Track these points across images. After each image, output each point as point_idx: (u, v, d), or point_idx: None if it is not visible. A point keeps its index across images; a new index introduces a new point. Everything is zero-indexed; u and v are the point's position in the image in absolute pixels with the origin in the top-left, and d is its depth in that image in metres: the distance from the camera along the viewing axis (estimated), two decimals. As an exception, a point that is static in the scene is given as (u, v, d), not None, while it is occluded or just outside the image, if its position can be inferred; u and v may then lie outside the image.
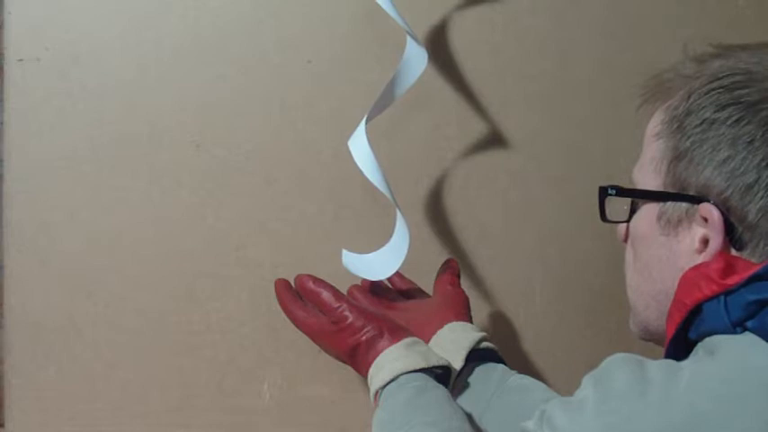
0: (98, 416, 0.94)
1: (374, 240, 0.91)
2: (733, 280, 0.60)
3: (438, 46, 0.98)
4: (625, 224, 0.72)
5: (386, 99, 0.89)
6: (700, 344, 0.61)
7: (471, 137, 1.00)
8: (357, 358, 0.80)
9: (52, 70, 0.92)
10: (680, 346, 0.62)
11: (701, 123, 0.64)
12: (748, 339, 0.57)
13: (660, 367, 0.58)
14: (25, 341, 0.93)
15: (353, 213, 0.98)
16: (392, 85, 0.89)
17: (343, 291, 0.86)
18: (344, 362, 0.83)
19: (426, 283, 0.94)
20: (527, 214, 1.02)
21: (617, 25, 1.03)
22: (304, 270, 0.86)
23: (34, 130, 0.92)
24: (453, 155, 1.00)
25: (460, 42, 0.99)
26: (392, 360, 0.78)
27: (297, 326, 0.84)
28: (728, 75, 0.64)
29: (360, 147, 0.87)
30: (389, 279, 0.93)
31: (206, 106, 0.95)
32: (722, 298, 0.59)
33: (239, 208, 0.96)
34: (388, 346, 0.79)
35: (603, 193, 0.72)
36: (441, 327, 0.85)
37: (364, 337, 0.79)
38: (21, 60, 0.92)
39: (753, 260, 0.62)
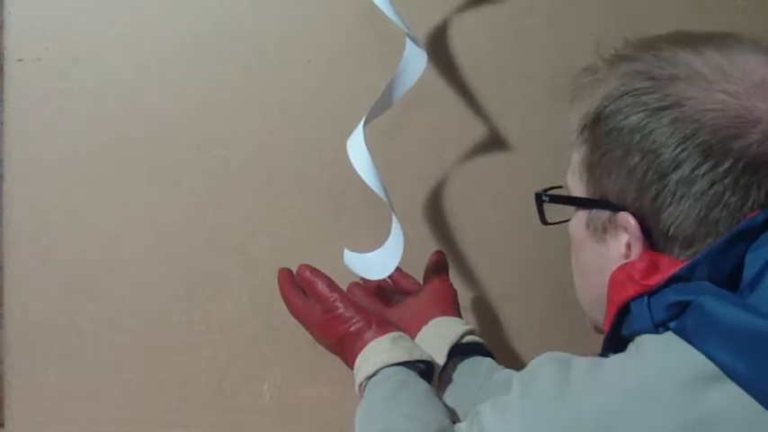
0: (98, 416, 0.94)
1: (374, 240, 0.91)
2: (654, 280, 0.59)
3: (438, 46, 0.98)
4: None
5: (384, 102, 0.89)
6: (632, 342, 0.61)
7: (471, 137, 1.00)
8: (344, 346, 0.81)
9: (52, 70, 0.92)
10: (615, 343, 0.63)
11: (610, 131, 0.63)
12: (667, 338, 0.57)
13: (583, 366, 0.58)
14: (25, 341, 0.93)
15: (353, 213, 0.98)
16: (390, 88, 0.89)
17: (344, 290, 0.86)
18: (335, 352, 0.84)
19: (426, 283, 0.94)
20: (527, 214, 1.01)
21: (617, 25, 1.03)
22: (304, 270, 0.86)
23: (34, 130, 0.92)
24: (453, 156, 1.00)
25: (460, 43, 0.99)
26: (378, 352, 0.78)
27: (292, 313, 0.85)
28: (634, 80, 0.63)
29: (357, 149, 0.87)
30: (390, 276, 0.93)
31: (206, 106, 0.95)
32: (646, 298, 0.59)
33: (239, 208, 0.96)
34: (375, 337, 0.80)
35: (539, 199, 0.72)
36: (426, 323, 0.86)
37: (352, 328, 0.80)
38: (21, 60, 0.92)
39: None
